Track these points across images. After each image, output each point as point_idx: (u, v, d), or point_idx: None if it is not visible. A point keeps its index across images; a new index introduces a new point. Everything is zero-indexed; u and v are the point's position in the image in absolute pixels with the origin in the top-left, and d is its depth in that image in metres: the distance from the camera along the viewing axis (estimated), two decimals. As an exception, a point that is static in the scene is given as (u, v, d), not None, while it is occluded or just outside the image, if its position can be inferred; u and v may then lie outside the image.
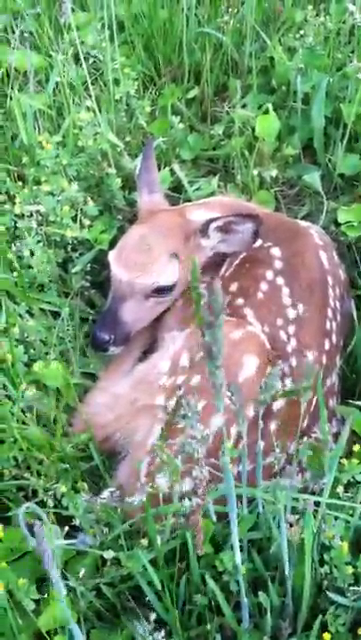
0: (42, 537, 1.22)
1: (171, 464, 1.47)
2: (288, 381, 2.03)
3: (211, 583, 1.61)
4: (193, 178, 2.91)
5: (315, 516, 1.60)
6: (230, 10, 3.05)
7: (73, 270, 2.53)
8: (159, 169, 2.81)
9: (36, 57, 2.99)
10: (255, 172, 2.75)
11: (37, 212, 2.49)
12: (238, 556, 1.51)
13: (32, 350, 2.32)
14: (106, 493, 1.91)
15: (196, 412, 1.31)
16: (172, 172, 2.85)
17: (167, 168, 2.85)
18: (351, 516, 1.70)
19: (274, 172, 2.75)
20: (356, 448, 1.83)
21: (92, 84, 2.85)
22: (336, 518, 1.66)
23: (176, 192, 2.86)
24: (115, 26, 2.78)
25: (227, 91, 3.09)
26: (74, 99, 2.83)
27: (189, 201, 2.76)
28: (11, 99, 2.81)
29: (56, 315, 2.48)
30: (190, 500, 1.43)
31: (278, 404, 2.00)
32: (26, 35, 3.04)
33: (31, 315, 2.41)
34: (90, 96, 2.71)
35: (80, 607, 1.77)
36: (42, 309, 2.47)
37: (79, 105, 2.81)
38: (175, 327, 2.31)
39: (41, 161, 2.57)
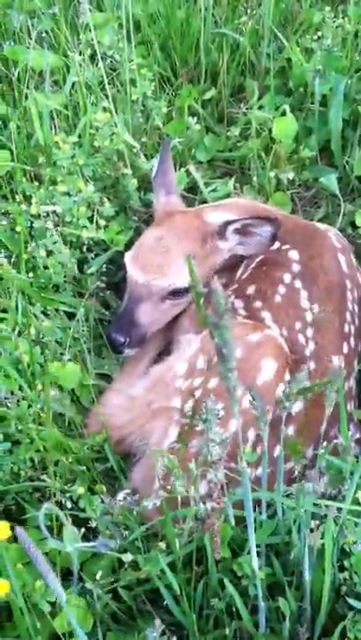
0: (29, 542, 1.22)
1: (177, 472, 1.46)
2: (306, 384, 2.01)
3: (229, 587, 1.59)
4: (209, 179, 2.90)
5: (336, 522, 1.59)
6: (248, 11, 3.04)
7: (88, 271, 2.53)
8: (175, 170, 2.80)
9: (53, 57, 2.98)
10: (272, 174, 2.74)
11: (54, 212, 2.48)
12: (256, 561, 1.49)
13: (47, 351, 2.31)
14: (121, 495, 1.90)
15: (215, 415, 1.30)
16: (188, 173, 2.84)
17: (183, 169, 2.84)
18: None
19: (290, 174, 2.74)
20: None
21: (109, 84, 2.85)
22: (356, 524, 1.65)
23: (192, 193, 2.86)
24: (131, 26, 2.77)
25: (243, 92, 3.08)
26: (90, 99, 2.82)
27: (205, 202, 2.75)
28: (27, 98, 2.81)
29: (71, 315, 2.47)
30: (205, 503, 1.42)
31: (297, 408, 1.99)
32: (42, 34, 3.03)
33: (46, 315, 2.40)
34: (106, 96, 2.71)
35: (96, 609, 1.76)
36: (57, 310, 2.47)
37: (95, 105, 2.79)
38: (191, 329, 2.31)
39: (57, 161, 2.55)
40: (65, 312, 2.49)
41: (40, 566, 1.23)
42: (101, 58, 2.77)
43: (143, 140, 2.84)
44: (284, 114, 2.80)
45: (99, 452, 2.16)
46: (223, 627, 1.70)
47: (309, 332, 2.11)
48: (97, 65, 2.78)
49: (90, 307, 2.50)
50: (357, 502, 1.69)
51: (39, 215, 2.47)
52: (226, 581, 1.60)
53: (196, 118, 2.87)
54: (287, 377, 1.97)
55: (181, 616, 1.67)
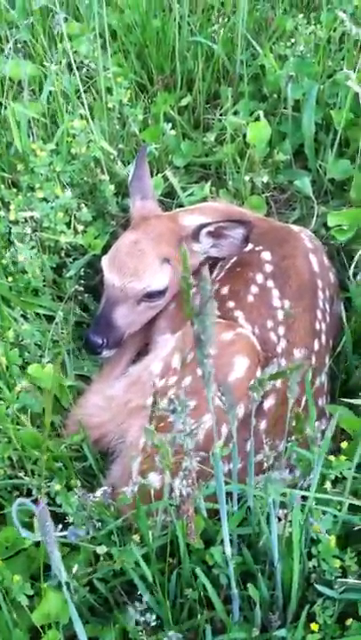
0: (48, 529, 1.26)
1: (162, 448, 1.51)
2: (278, 381, 2.06)
3: (202, 577, 1.64)
4: (186, 184, 2.96)
5: (303, 511, 1.64)
6: (220, 19, 3.10)
7: (67, 275, 2.58)
8: (152, 175, 2.85)
9: (31, 66, 3.03)
10: (247, 178, 2.79)
11: (32, 218, 2.53)
12: (228, 549, 1.55)
13: (27, 353, 2.36)
14: (99, 492, 1.95)
15: (185, 407, 1.35)
16: (165, 179, 2.89)
17: (160, 174, 2.89)
18: (339, 510, 1.73)
19: (265, 178, 2.80)
20: (343, 445, 1.87)
21: (85, 92, 2.91)
22: (324, 513, 1.70)
23: (169, 198, 2.91)
24: (107, 35, 2.83)
25: (219, 98, 3.13)
26: (67, 107, 2.87)
27: (182, 206, 2.80)
28: (5, 108, 2.86)
29: (50, 318, 2.51)
30: (180, 490, 1.47)
31: (269, 403, 2.04)
32: (19, 45, 3.08)
33: (26, 319, 2.45)
34: (82, 104, 2.76)
35: (73, 602, 1.80)
36: (37, 313, 2.51)
37: (72, 113, 2.85)
38: (167, 330, 2.36)
39: (35, 168, 2.61)
40: (44, 315, 2.54)
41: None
42: (78, 67, 2.82)
43: (120, 146, 2.89)
44: (258, 119, 2.85)
45: (77, 450, 2.20)
46: (197, 616, 1.74)
47: (281, 330, 2.17)
48: (74, 74, 2.84)
49: (69, 310, 2.54)
50: (324, 491, 1.74)
51: (17, 221, 2.52)
52: (198, 571, 1.64)
53: (171, 125, 2.92)
54: (259, 374, 2.02)
55: (156, 606, 1.71)
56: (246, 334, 2.12)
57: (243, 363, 2.03)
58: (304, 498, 1.65)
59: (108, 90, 2.90)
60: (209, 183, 2.89)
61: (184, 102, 3.09)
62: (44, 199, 2.57)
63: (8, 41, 3.05)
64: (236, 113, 2.98)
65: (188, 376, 2.06)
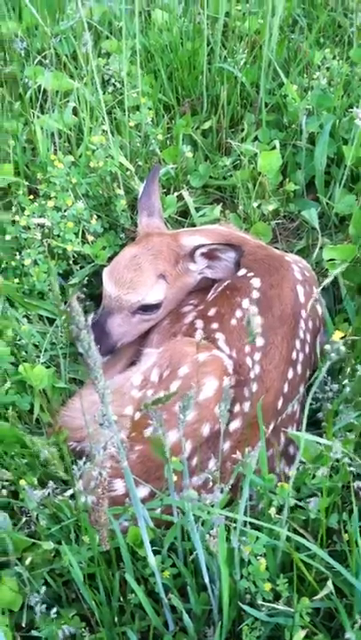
0: None
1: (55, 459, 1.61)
2: (247, 405, 2.16)
3: (133, 584, 1.73)
4: (201, 204, 3.06)
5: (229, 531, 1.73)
6: (241, 50, 3.19)
7: (70, 282, 2.70)
8: (169, 193, 2.97)
9: (64, 80, 3.16)
10: (255, 205, 2.88)
11: (43, 225, 2.67)
12: (152, 560, 1.65)
13: (24, 352, 2.50)
14: (68, 492, 2.07)
15: (111, 422, 1.46)
16: (180, 198, 3.00)
17: (176, 193, 3.00)
18: (277, 538, 1.81)
19: (272, 206, 2.89)
20: (291, 473, 1.94)
21: (114, 107, 3.03)
22: (257, 538, 1.77)
23: (184, 217, 3.02)
24: (138, 55, 2.94)
25: (242, 123, 3.23)
26: (93, 122, 3.00)
27: (194, 226, 2.91)
28: (29, 118, 3.01)
29: (53, 322, 2.65)
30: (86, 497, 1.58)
31: (234, 426, 2.13)
32: (50, 58, 3.21)
33: (29, 320, 2.59)
34: (111, 120, 2.87)
35: (26, 593, 1.92)
36: (40, 316, 2.65)
37: (97, 128, 2.97)
38: (157, 344, 2.47)
39: (51, 178, 2.74)
40: (47, 318, 2.67)
41: None
42: (113, 84, 2.94)
43: (140, 163, 3.01)
44: (274, 148, 2.93)
45: (59, 450, 2.32)
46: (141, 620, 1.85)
47: (257, 356, 2.25)
48: (105, 90, 2.96)
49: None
50: (270, 518, 1.82)
51: (29, 227, 2.66)
52: (128, 577, 1.74)
53: (190, 146, 3.03)
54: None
55: (94, 606, 1.82)
56: (220, 357, 2.22)
57: (212, 384, 2.13)
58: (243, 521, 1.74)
59: (137, 107, 3.02)
60: (220, 206, 2.99)
61: (207, 125, 3.19)
62: (57, 208, 2.70)
63: (43, 51, 3.18)
64: (256, 139, 3.07)
65: (164, 391, 2.16)
